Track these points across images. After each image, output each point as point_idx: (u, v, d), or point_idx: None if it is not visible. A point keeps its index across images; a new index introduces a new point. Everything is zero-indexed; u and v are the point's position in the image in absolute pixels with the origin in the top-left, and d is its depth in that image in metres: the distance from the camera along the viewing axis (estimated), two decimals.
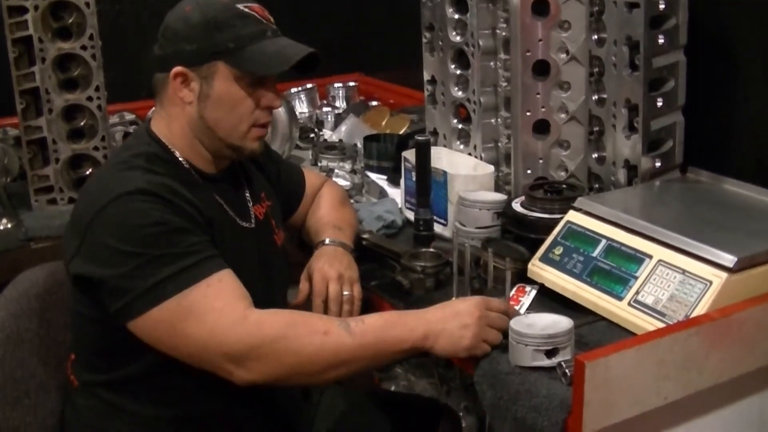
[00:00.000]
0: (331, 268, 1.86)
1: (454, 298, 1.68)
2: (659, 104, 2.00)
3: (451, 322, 1.58)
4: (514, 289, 1.79)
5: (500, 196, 2.07)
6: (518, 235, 1.93)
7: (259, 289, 1.77)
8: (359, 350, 1.56)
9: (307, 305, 1.85)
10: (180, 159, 1.73)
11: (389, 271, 1.96)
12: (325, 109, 3.25)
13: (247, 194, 1.85)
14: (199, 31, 1.67)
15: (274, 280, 1.84)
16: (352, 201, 2.27)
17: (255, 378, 1.55)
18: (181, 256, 1.56)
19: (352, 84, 3.48)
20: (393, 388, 2.75)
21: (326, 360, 1.55)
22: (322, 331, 1.55)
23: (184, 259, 1.56)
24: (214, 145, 1.73)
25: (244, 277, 1.72)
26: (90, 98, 2.39)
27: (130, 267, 1.55)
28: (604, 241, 1.76)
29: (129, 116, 2.88)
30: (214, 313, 1.54)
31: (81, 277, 1.61)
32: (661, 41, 1.96)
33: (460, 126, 2.30)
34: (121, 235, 1.56)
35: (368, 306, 1.86)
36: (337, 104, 3.39)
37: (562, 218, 1.86)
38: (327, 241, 1.95)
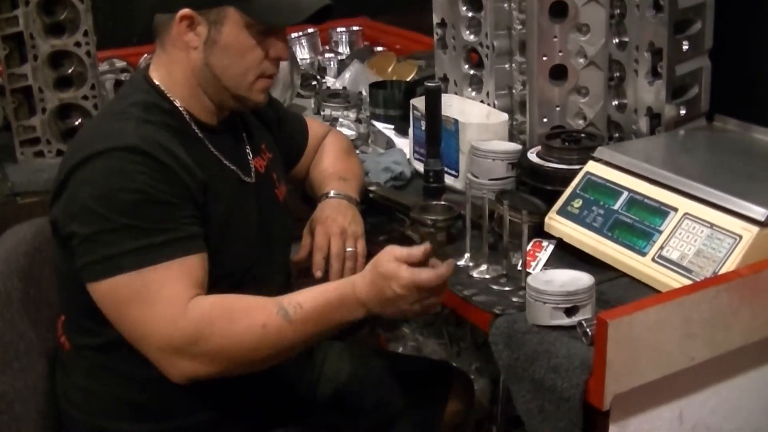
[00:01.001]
0: (334, 222, 1.85)
1: (378, 268, 1.57)
2: (685, 48, 1.97)
3: (388, 307, 1.58)
4: (531, 243, 1.78)
5: (515, 146, 2.06)
6: (534, 187, 1.92)
7: (258, 247, 1.76)
8: (299, 337, 1.58)
9: (309, 262, 1.85)
10: (180, 108, 1.70)
11: (398, 224, 1.96)
12: (327, 55, 3.22)
13: (248, 147, 1.83)
14: None
15: (274, 236, 1.83)
16: (357, 152, 2.26)
17: (188, 374, 1.56)
18: (149, 233, 1.55)
19: (356, 28, 3.43)
20: (401, 349, 2.76)
21: (265, 353, 1.58)
22: (261, 323, 1.55)
23: (152, 237, 1.55)
24: (218, 94, 1.71)
25: (243, 235, 1.72)
26: (78, 44, 2.36)
27: (96, 229, 1.54)
28: (626, 193, 1.75)
29: (120, 63, 2.85)
30: (159, 301, 1.54)
31: (55, 226, 1.63)
32: None
33: (471, 72, 2.28)
34: (98, 194, 1.55)
35: None
36: (341, 50, 3.36)
37: (580, 169, 1.85)
38: (331, 193, 1.93)
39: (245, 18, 1.65)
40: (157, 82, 1.71)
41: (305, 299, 1.58)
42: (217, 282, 1.62)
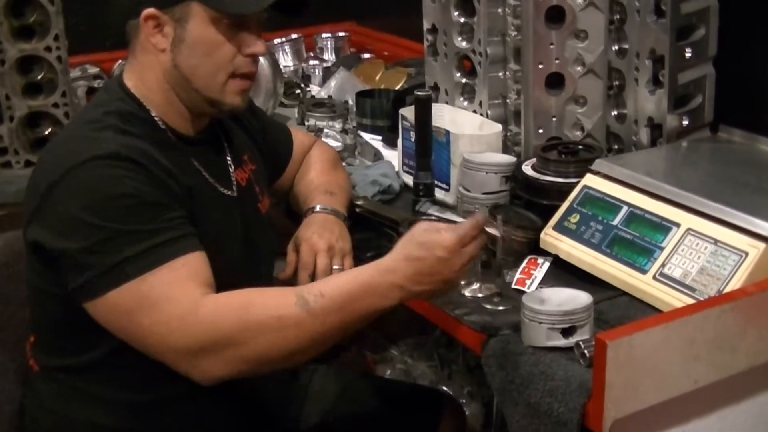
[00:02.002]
0: (320, 238, 1.85)
1: (416, 239, 1.56)
2: (688, 55, 1.98)
3: (429, 283, 1.55)
4: (526, 260, 1.78)
5: (509, 158, 2.06)
6: (529, 201, 1.92)
7: (243, 264, 1.77)
8: (322, 329, 1.53)
9: (294, 279, 1.85)
10: (155, 118, 1.71)
11: (386, 240, 1.95)
12: (312, 62, 3.23)
13: (228, 158, 1.83)
14: None
15: (259, 251, 1.84)
16: (344, 164, 2.26)
17: (213, 375, 1.55)
18: (148, 235, 1.54)
19: (342, 34, 3.44)
20: (389, 372, 2.75)
21: (287, 348, 1.54)
22: (276, 316, 1.52)
23: (151, 238, 1.54)
24: (191, 98, 1.71)
25: (227, 251, 1.72)
26: (48, 48, 2.36)
27: (91, 241, 1.53)
28: (625, 208, 1.75)
29: (92, 69, 2.85)
30: (169, 302, 1.53)
31: (38, 246, 1.60)
32: None
33: (464, 80, 2.29)
34: (87, 204, 1.54)
35: None
36: (326, 57, 3.36)
37: (578, 182, 1.85)
38: (317, 207, 1.93)
39: (210, 12, 1.65)
40: (131, 90, 1.71)
41: (328, 287, 1.55)
42: None
